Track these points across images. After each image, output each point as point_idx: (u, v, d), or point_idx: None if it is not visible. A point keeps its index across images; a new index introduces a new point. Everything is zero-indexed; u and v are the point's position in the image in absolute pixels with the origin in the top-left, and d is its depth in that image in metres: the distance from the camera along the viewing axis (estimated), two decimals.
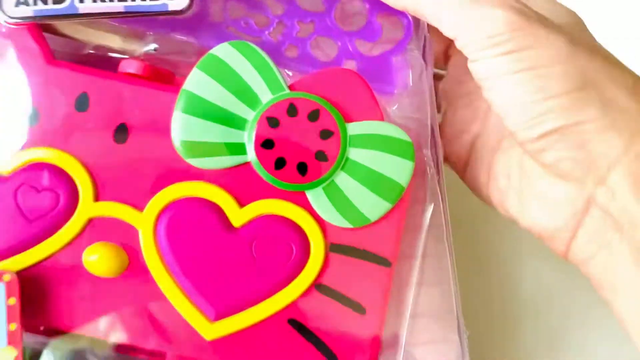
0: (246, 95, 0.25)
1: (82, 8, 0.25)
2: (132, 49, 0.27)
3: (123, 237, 0.25)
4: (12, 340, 0.23)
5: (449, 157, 0.29)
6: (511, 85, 0.24)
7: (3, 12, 0.24)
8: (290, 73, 0.27)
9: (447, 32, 0.25)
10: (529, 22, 0.24)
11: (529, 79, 0.24)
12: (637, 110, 0.24)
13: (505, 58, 0.24)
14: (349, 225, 0.25)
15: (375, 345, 0.25)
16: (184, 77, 0.26)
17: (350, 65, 0.27)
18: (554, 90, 0.23)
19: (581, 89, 0.24)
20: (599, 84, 0.24)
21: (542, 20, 0.24)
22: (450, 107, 0.29)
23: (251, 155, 0.25)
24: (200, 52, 0.26)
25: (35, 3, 0.24)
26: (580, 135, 0.24)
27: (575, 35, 0.25)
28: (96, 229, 0.25)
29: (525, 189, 0.26)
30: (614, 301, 0.25)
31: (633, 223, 0.24)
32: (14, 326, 0.23)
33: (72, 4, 0.25)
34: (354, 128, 0.26)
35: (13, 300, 0.23)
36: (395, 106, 0.26)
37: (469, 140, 0.29)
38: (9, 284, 0.23)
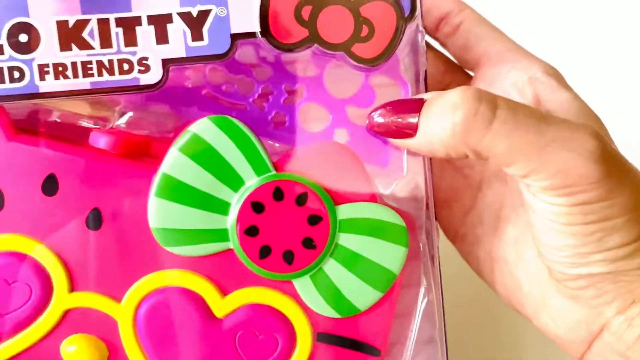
0: (229, 177, 0.23)
1: (44, 87, 0.22)
2: (102, 115, 0.25)
3: (102, 329, 0.24)
4: None
5: (439, 222, 0.28)
6: (569, 233, 0.22)
7: None
8: (276, 144, 0.25)
9: (515, 173, 0.22)
10: (607, 170, 0.22)
11: (591, 232, 0.22)
12: None
13: (572, 209, 0.22)
14: (337, 316, 0.24)
15: None
16: (161, 144, 0.24)
17: (342, 134, 0.25)
18: (613, 243, 0.22)
19: (637, 239, 0.23)
20: None
21: (617, 164, 0.22)
22: (439, 169, 0.27)
23: (234, 243, 0.24)
24: (178, 120, 0.24)
25: None
26: (619, 277, 0.23)
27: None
28: (73, 321, 0.24)
29: (539, 299, 0.25)
30: None
31: None
32: None
33: (32, 83, 0.22)
34: (344, 211, 0.24)
35: None
36: (392, 188, 0.24)
37: (460, 212, 0.27)
38: None
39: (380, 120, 0.23)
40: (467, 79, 0.28)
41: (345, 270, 0.24)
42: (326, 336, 0.25)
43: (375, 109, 0.24)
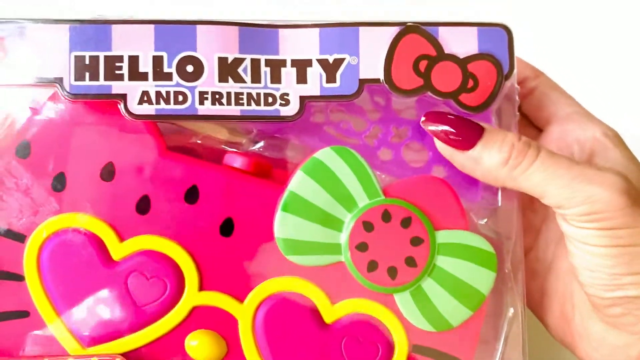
0: (344, 199, 0.27)
1: (201, 110, 0.26)
2: (237, 141, 0.29)
3: (223, 326, 0.27)
4: None
5: None
6: (598, 254, 0.25)
7: (126, 109, 0.26)
8: (383, 175, 0.29)
9: (550, 202, 0.26)
10: (632, 201, 0.25)
11: (619, 254, 0.25)
12: None
13: (601, 232, 0.25)
14: (433, 330, 0.27)
15: None
16: (283, 170, 0.28)
17: (440, 171, 0.29)
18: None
19: None
20: None
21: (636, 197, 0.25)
22: None
23: (345, 256, 0.27)
24: (301, 150, 0.28)
25: (157, 102, 0.26)
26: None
27: None
28: (199, 317, 0.27)
29: (581, 329, 0.28)
30: None
31: None
32: None
33: (192, 106, 0.26)
34: (442, 236, 0.27)
35: None
36: (485, 220, 0.28)
37: (528, 243, 0.30)
38: None
39: (442, 128, 0.27)
40: (537, 134, 0.32)
41: (441, 289, 0.27)
42: (421, 348, 0.27)
43: (439, 115, 0.27)
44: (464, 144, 0.26)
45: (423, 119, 0.27)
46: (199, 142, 0.28)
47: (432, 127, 0.27)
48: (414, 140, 0.29)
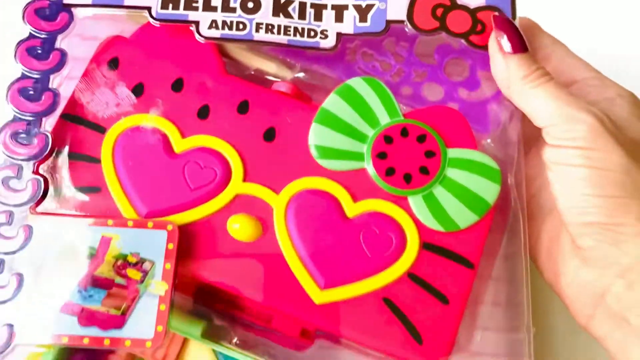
0: (369, 117, 0.32)
1: (257, 37, 0.33)
2: (283, 75, 0.34)
3: (260, 212, 0.31)
4: (165, 276, 0.29)
5: None
6: (574, 177, 0.29)
7: (198, 32, 0.32)
8: (404, 107, 0.34)
9: (542, 123, 0.30)
10: (605, 130, 0.29)
11: (590, 175, 0.28)
12: None
13: (578, 152, 0.29)
14: (441, 229, 0.31)
15: (454, 331, 0.30)
16: (319, 102, 0.33)
17: (453, 107, 0.34)
18: (607, 191, 0.28)
19: (628, 197, 0.28)
20: None
21: (615, 133, 0.29)
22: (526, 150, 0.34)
23: (368, 163, 0.31)
24: (336, 83, 0.34)
25: (223, 28, 0.33)
26: (616, 234, 0.28)
27: (633, 148, 0.30)
28: (240, 203, 0.31)
29: (560, 265, 0.30)
30: None
31: None
32: (168, 265, 0.29)
33: (249, 33, 0.33)
34: (453, 152, 0.32)
35: (171, 246, 0.30)
36: (489, 139, 0.32)
37: (531, 192, 0.33)
38: (170, 232, 0.30)
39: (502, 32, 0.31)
40: None
41: (451, 196, 0.31)
42: (431, 245, 0.31)
43: (508, 21, 0.32)
44: (512, 48, 0.31)
45: (496, 14, 0.32)
46: (252, 73, 0.34)
47: (497, 27, 0.31)
48: (432, 81, 0.34)
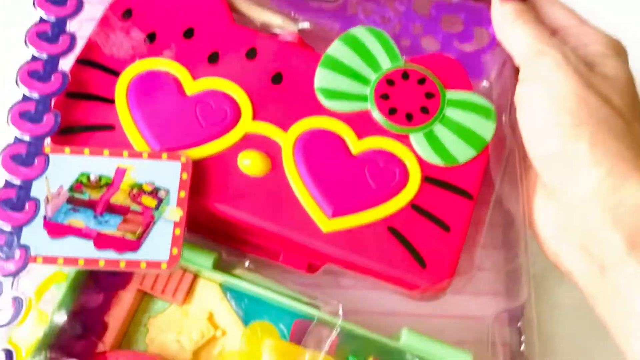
0: (371, 62, 0.34)
1: None
2: (288, 28, 0.36)
3: (269, 149, 0.32)
4: (180, 203, 0.30)
5: None
6: (535, 107, 0.30)
7: None
8: (403, 57, 0.36)
9: (517, 61, 0.32)
10: (567, 64, 0.30)
11: (547, 106, 0.30)
12: (619, 150, 0.28)
13: (538, 85, 0.30)
14: (442, 164, 0.32)
15: (456, 255, 0.31)
16: (321, 53, 0.35)
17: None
18: (562, 119, 0.29)
19: (582, 124, 0.29)
20: (596, 126, 0.29)
21: (577, 67, 0.30)
22: None
23: (371, 104, 0.33)
24: (338, 36, 0.35)
25: None
26: (571, 163, 0.29)
27: (597, 81, 0.30)
28: (250, 141, 0.33)
29: (534, 208, 0.32)
30: (596, 305, 0.29)
31: (598, 238, 0.28)
32: (183, 194, 0.30)
33: None
34: (451, 94, 0.34)
35: (185, 176, 0.31)
36: (485, 82, 0.34)
37: None
38: (184, 164, 0.31)
39: None
40: None
41: (450, 133, 0.33)
42: (432, 179, 0.32)
43: None
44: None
45: None
46: (258, 26, 0.36)
47: None
48: (429, 34, 0.36)
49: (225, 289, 0.33)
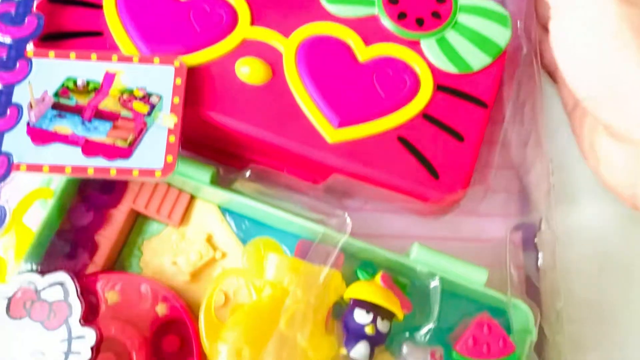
0: None
1: None
2: None
3: (269, 56, 0.30)
4: (174, 109, 0.28)
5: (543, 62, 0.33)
6: (569, 41, 0.28)
7: None
8: None
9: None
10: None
11: (585, 34, 0.27)
12: None
13: (574, 19, 0.28)
14: (455, 71, 0.30)
15: (470, 166, 0.29)
16: None
17: None
18: (603, 45, 0.27)
19: (626, 47, 0.26)
20: None
21: None
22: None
23: (379, 9, 0.31)
24: None
25: None
26: (624, 95, 0.27)
27: None
28: (248, 47, 0.30)
29: (597, 148, 0.30)
30: None
31: None
32: (177, 99, 0.28)
33: None
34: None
35: (179, 81, 0.28)
36: None
37: None
38: (177, 68, 0.29)
39: None
40: None
41: (463, 39, 0.31)
42: (445, 87, 0.30)
43: None
44: None
45: None
46: None
47: None
48: None
49: (224, 210, 0.31)
